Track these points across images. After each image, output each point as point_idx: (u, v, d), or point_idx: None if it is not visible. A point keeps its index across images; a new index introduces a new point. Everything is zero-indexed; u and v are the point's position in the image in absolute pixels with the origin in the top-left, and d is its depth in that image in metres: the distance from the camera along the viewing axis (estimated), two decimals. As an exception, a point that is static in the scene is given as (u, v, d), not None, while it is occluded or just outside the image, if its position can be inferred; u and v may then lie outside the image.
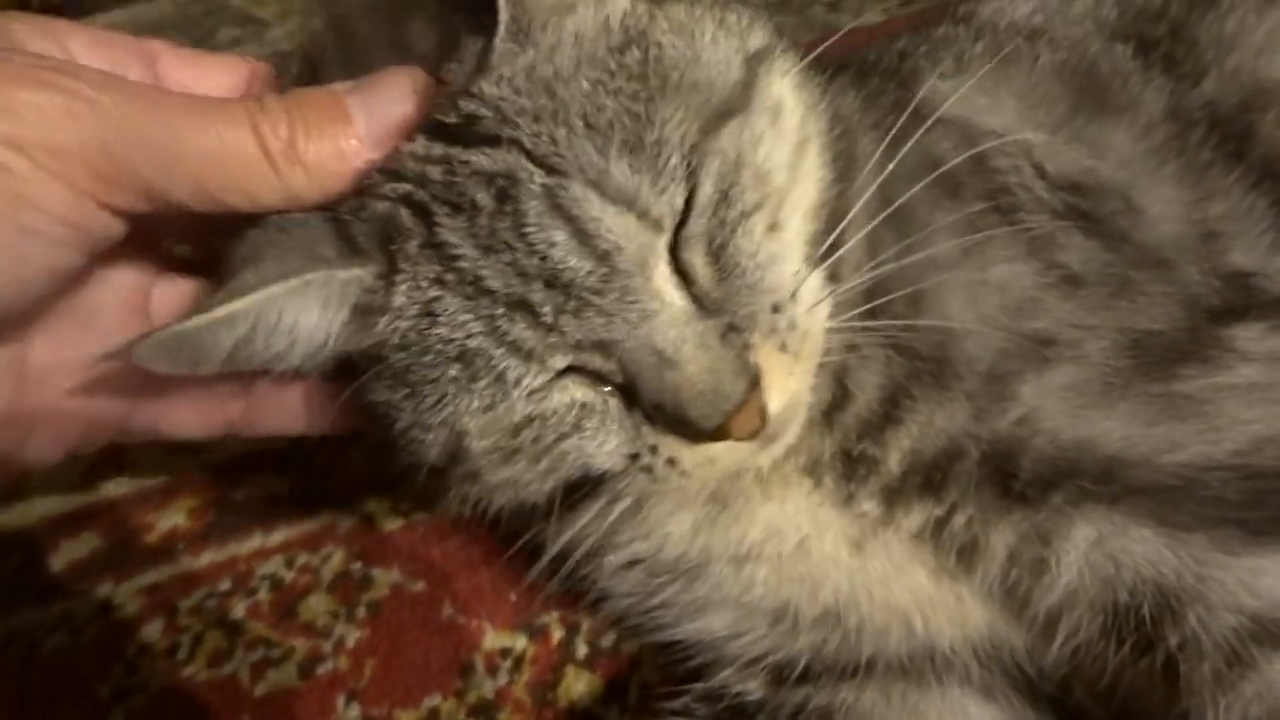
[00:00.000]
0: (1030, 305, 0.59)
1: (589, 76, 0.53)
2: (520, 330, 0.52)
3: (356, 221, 0.55)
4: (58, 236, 0.52)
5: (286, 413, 0.68)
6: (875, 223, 0.59)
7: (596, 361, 0.54)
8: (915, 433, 0.59)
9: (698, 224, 0.53)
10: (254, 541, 0.87)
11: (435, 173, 0.53)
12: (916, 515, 0.60)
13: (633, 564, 0.67)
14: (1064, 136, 0.68)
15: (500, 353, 0.53)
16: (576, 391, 0.55)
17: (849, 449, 0.60)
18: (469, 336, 0.53)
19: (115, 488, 0.93)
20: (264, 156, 0.53)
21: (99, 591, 0.85)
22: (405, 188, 0.53)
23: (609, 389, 0.55)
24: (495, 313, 0.52)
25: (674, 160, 0.52)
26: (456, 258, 0.52)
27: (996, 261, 0.60)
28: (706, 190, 0.53)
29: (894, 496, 0.60)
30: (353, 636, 0.79)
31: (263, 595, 0.83)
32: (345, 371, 0.58)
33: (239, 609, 0.82)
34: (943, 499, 0.59)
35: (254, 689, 0.77)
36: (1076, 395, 0.57)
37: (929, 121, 0.62)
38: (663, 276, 0.53)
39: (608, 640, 0.77)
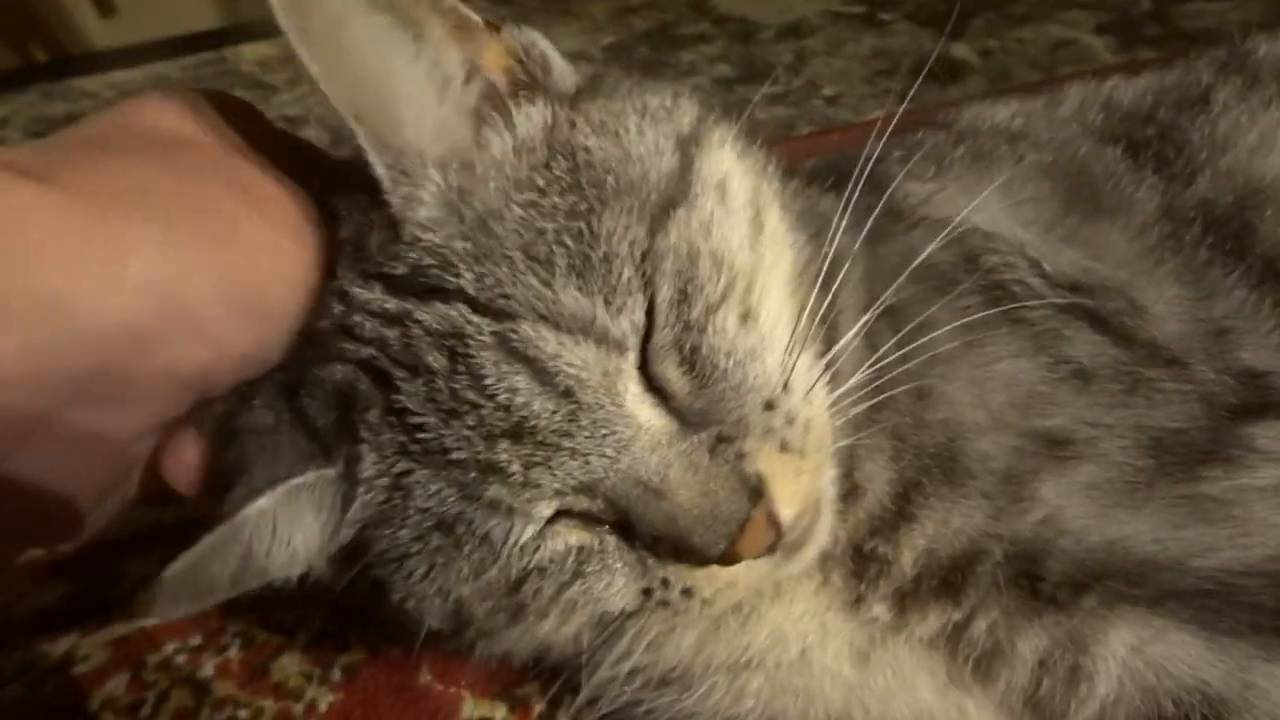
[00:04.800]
0: (1041, 401, 0.58)
1: (519, 201, 0.50)
2: (495, 491, 0.49)
3: (314, 401, 0.52)
4: None
5: None
6: (869, 318, 0.57)
7: (583, 503, 0.51)
8: (930, 531, 0.56)
9: (663, 333, 0.50)
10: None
11: (392, 335, 0.50)
12: (933, 620, 0.57)
13: (632, 674, 0.62)
14: (1058, 236, 0.68)
15: (480, 514, 0.50)
16: (570, 536, 0.52)
17: (859, 544, 0.57)
18: (444, 505, 0.50)
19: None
20: None
21: (62, 642, 0.82)
22: (366, 352, 0.51)
23: (604, 527, 0.52)
24: (467, 479, 0.50)
25: (627, 273, 0.49)
26: (418, 427, 0.50)
27: (1000, 357, 0.59)
28: (665, 294, 0.50)
29: (907, 600, 0.57)
30: (325, 700, 0.76)
31: (233, 653, 0.80)
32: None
33: (208, 666, 0.79)
34: (961, 603, 0.56)
35: (218, 751, 0.74)
36: (1101, 495, 0.55)
37: (909, 219, 0.61)
38: (635, 398, 0.50)
39: (590, 715, 0.75)
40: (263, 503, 0.51)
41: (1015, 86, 1.52)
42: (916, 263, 0.58)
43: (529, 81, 0.55)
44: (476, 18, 0.54)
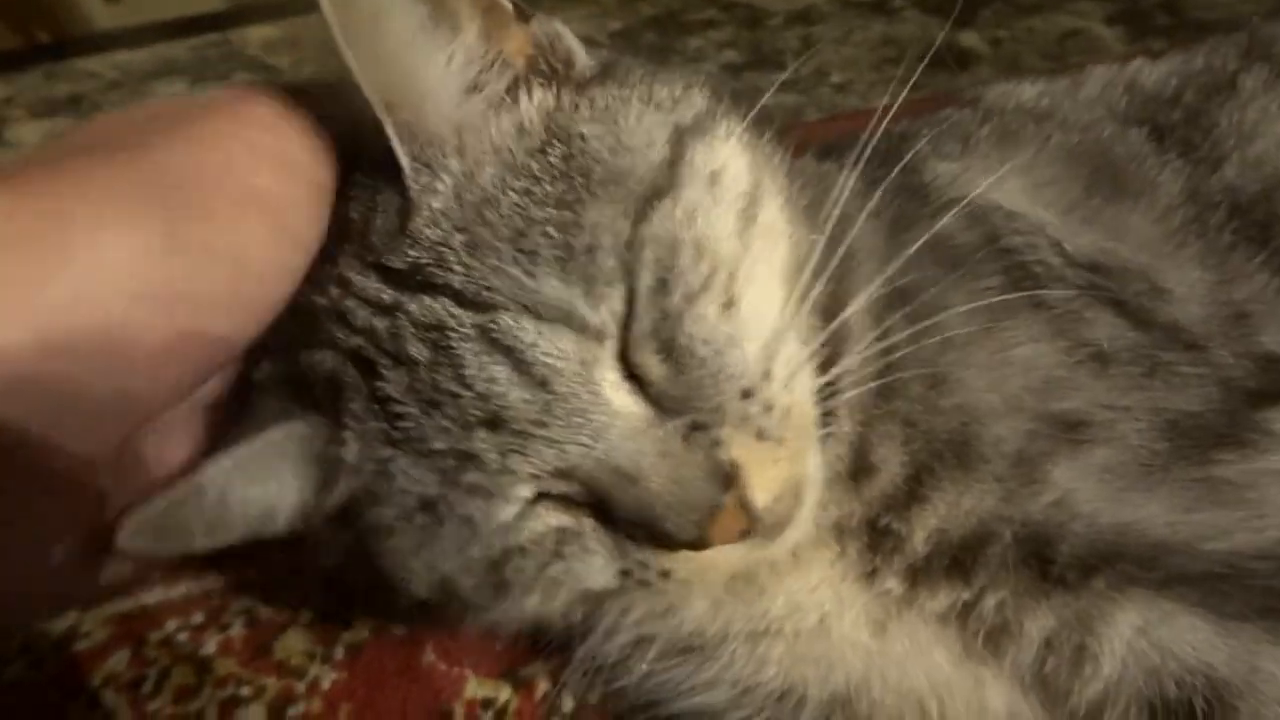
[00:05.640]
0: (1059, 385, 0.57)
1: (515, 187, 0.51)
2: (473, 477, 0.50)
3: (310, 373, 0.54)
4: None
5: None
6: (871, 291, 0.57)
7: (560, 486, 0.51)
8: (942, 512, 0.56)
9: (642, 321, 0.50)
10: (232, 574, 0.83)
11: (382, 324, 0.51)
12: (943, 598, 0.57)
13: (648, 643, 0.63)
14: (1079, 217, 0.68)
15: (459, 496, 0.51)
16: (550, 518, 0.53)
17: (873, 519, 0.58)
18: (426, 488, 0.51)
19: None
20: None
21: (64, 620, 0.81)
22: (355, 341, 0.52)
23: (583, 509, 0.53)
24: (446, 465, 0.50)
25: (609, 263, 0.50)
26: (400, 416, 0.51)
27: (1021, 341, 0.58)
28: (644, 282, 0.50)
29: (918, 576, 0.57)
30: (328, 678, 0.76)
31: (236, 630, 0.80)
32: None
33: (210, 644, 0.79)
34: (971, 582, 0.56)
35: (219, 729, 0.73)
36: (1114, 478, 0.55)
37: (935, 203, 0.60)
38: (612, 385, 0.50)
39: (594, 696, 0.74)
40: (235, 454, 0.52)
41: (1023, 76, 1.51)
42: (926, 237, 0.58)
43: (549, 73, 0.56)
44: (509, 5, 0.54)
